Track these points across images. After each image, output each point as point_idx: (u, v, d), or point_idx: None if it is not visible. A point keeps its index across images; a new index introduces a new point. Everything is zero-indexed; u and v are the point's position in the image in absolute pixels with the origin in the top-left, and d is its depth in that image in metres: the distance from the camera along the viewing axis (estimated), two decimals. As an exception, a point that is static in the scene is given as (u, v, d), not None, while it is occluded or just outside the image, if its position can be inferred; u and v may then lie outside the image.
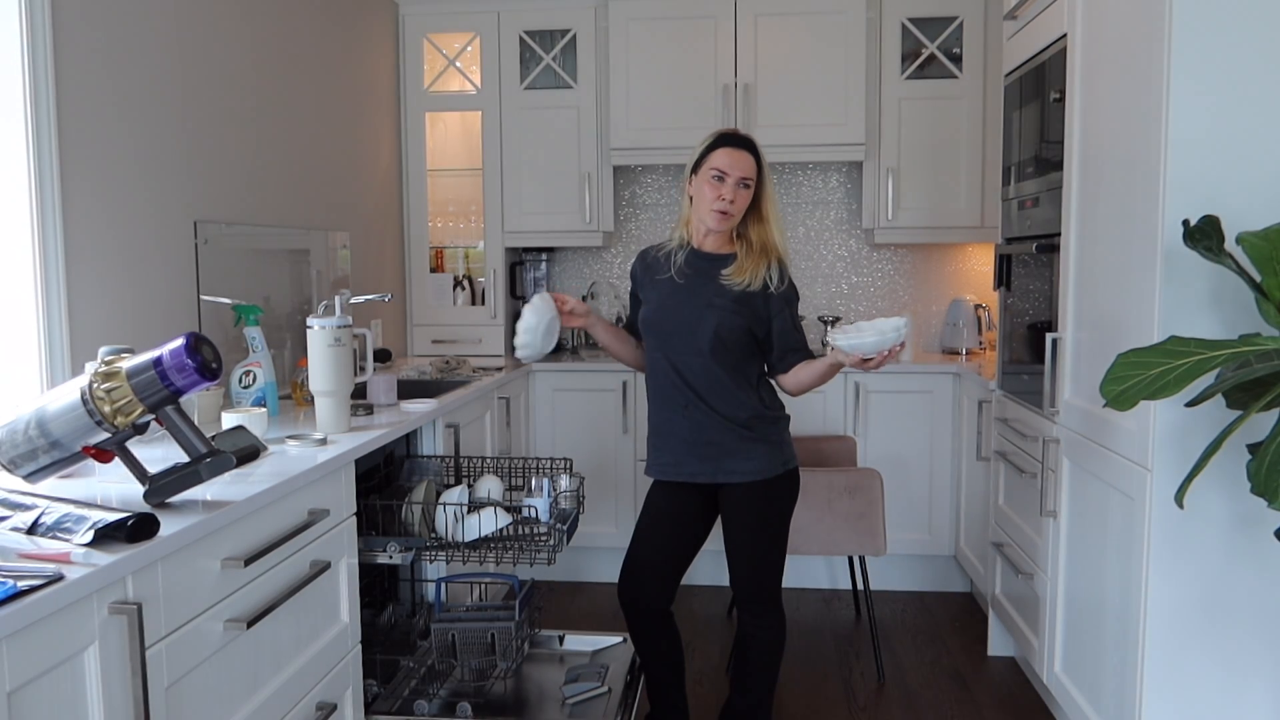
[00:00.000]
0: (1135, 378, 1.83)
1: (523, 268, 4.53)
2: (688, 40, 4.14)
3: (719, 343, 2.47)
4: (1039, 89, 2.97)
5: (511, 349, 4.45)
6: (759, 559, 2.58)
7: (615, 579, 4.18)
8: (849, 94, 4.08)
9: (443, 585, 2.71)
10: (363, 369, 2.79)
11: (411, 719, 2.43)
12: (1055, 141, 2.80)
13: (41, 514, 1.55)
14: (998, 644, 3.47)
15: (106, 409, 1.67)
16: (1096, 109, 2.50)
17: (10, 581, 1.29)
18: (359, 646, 2.30)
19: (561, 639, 2.90)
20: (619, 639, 2.89)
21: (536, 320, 2.52)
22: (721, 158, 2.46)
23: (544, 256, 4.57)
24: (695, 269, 2.55)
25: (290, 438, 2.28)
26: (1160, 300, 2.11)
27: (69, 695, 1.36)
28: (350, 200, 3.83)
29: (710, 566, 4.18)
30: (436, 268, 4.50)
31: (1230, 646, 2.16)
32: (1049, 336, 2.76)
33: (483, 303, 4.47)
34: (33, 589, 1.28)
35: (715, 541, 4.03)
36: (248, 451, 1.83)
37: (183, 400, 1.73)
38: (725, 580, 4.08)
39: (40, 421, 1.69)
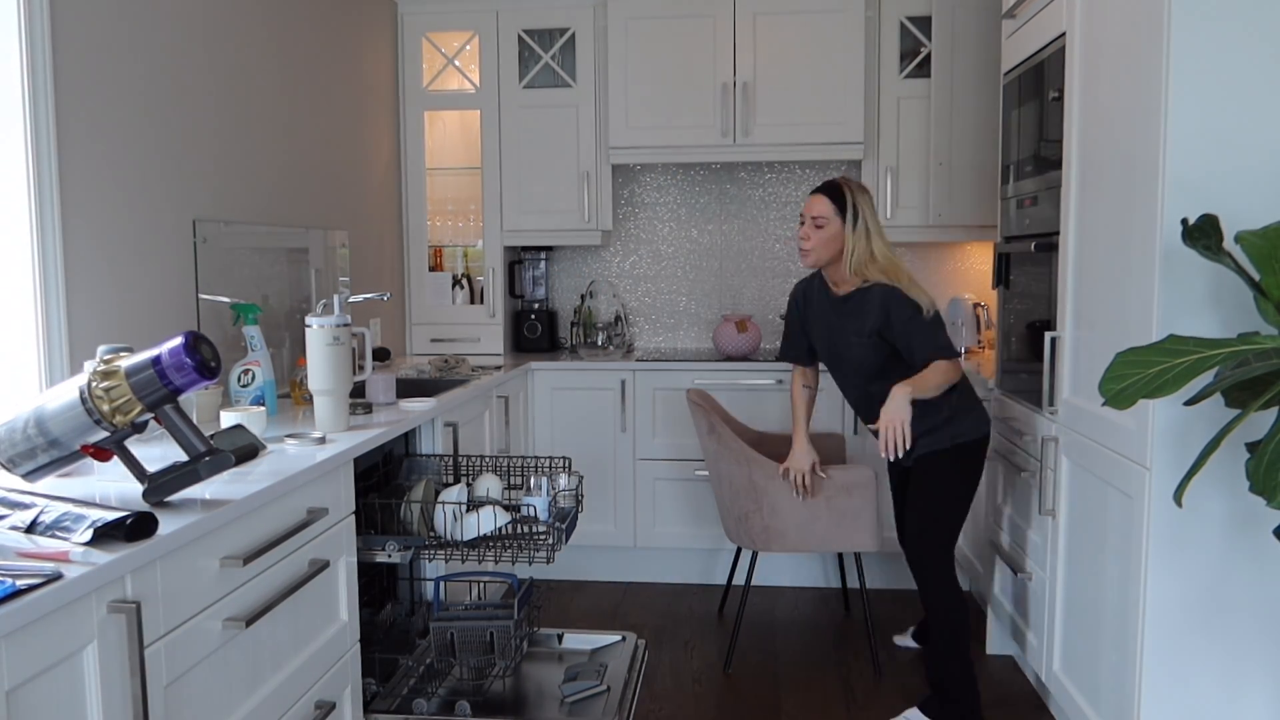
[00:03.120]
0: (1134, 376, 1.83)
1: (521, 266, 4.53)
2: (686, 39, 4.14)
3: (864, 368, 2.98)
4: (1038, 88, 2.97)
5: (511, 346, 4.49)
6: (917, 527, 2.96)
7: (614, 578, 4.20)
8: (847, 93, 4.08)
9: (441, 584, 2.71)
10: (361, 368, 2.79)
11: (410, 718, 2.43)
12: (1054, 140, 2.80)
13: (40, 513, 1.55)
14: (996, 643, 3.47)
15: (105, 408, 1.66)
16: (1095, 107, 2.50)
17: (9, 580, 1.28)
18: (358, 645, 2.30)
19: (560, 637, 2.90)
20: (617, 637, 2.89)
21: None
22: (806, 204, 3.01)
23: (543, 255, 4.57)
24: (830, 307, 3.04)
25: (289, 436, 2.28)
26: (1159, 299, 2.11)
27: (68, 694, 1.36)
28: (349, 199, 3.83)
29: (706, 565, 4.19)
30: (435, 266, 4.50)
31: (1229, 645, 2.16)
32: (1048, 335, 2.76)
33: (481, 301, 4.47)
34: (31, 588, 1.28)
35: (707, 540, 4.04)
36: (246, 450, 1.83)
37: (181, 399, 1.73)
38: (721, 579, 4.09)
39: (39, 420, 1.69)
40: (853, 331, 2.93)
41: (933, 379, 2.80)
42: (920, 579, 2.95)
